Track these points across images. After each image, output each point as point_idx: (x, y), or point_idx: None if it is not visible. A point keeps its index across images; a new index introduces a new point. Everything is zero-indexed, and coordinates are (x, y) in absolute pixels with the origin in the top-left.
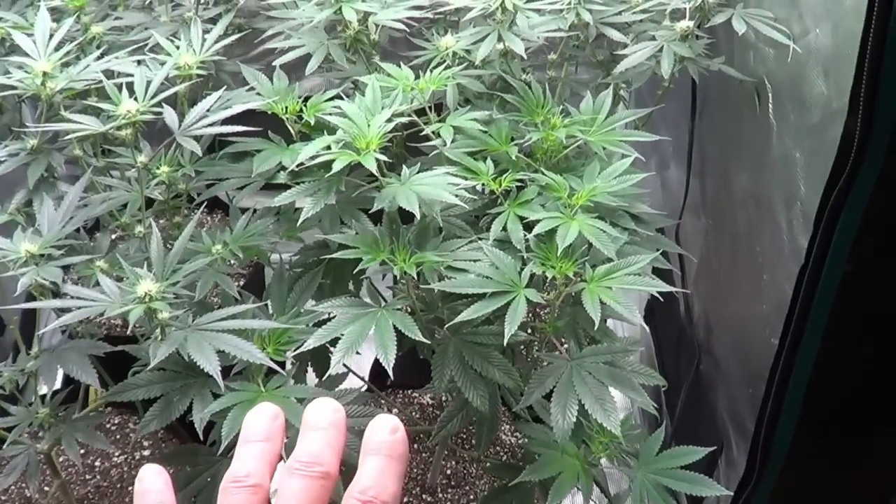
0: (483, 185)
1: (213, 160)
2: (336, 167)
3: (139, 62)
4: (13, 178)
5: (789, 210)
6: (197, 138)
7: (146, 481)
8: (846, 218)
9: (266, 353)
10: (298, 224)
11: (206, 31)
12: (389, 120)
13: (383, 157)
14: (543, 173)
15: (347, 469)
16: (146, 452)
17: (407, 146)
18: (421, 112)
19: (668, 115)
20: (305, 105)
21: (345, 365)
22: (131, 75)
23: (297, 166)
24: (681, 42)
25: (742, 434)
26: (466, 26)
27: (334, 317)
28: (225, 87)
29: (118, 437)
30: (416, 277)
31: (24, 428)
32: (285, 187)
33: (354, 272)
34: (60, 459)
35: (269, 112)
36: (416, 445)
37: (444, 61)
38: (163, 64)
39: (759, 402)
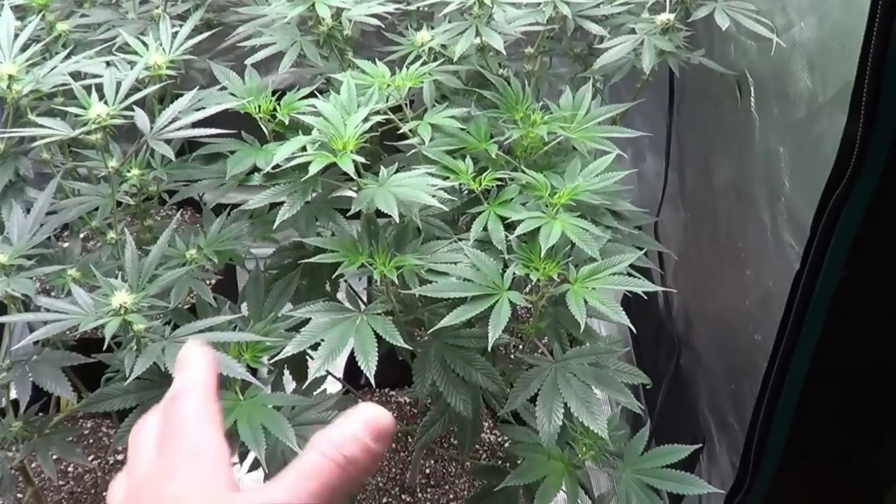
0: (462, 184)
1: (185, 162)
2: (312, 170)
3: (108, 63)
4: None
5: (773, 205)
6: (168, 141)
7: (188, 348)
8: (844, 222)
9: (243, 360)
10: (275, 227)
11: (175, 29)
12: (366, 119)
13: (360, 159)
14: (524, 171)
15: None
16: (120, 457)
17: (383, 144)
18: (396, 109)
19: (644, 106)
20: (279, 104)
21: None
22: (99, 76)
23: (273, 168)
24: (661, 35)
25: (724, 429)
26: (441, 20)
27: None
28: (198, 87)
29: (91, 441)
30: (395, 281)
31: None
32: (259, 188)
33: (333, 276)
34: (33, 465)
35: (243, 112)
36: (393, 445)
37: (421, 57)
38: (132, 64)
39: (742, 397)
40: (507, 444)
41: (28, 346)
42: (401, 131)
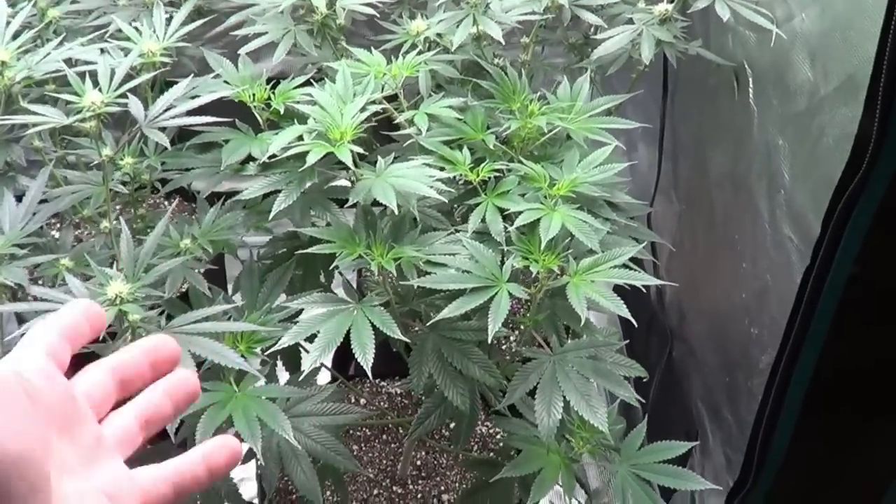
0: (459, 174)
1: (178, 150)
2: (310, 160)
3: (102, 50)
4: None
5: (772, 198)
6: (163, 129)
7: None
8: (857, 219)
9: (238, 351)
10: (270, 217)
11: (167, 16)
12: (363, 109)
13: (358, 149)
14: (522, 162)
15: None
16: None
17: (377, 134)
18: (391, 98)
19: (636, 97)
20: (273, 92)
21: (323, 364)
22: (92, 63)
23: (269, 158)
24: (660, 26)
25: (718, 423)
26: (434, 9)
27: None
28: (193, 74)
29: None
30: (393, 273)
31: None
32: (253, 177)
33: (331, 266)
34: None
35: (237, 100)
36: (384, 436)
37: (416, 46)
38: (125, 51)
39: (737, 390)
40: (499, 437)
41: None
42: (397, 121)
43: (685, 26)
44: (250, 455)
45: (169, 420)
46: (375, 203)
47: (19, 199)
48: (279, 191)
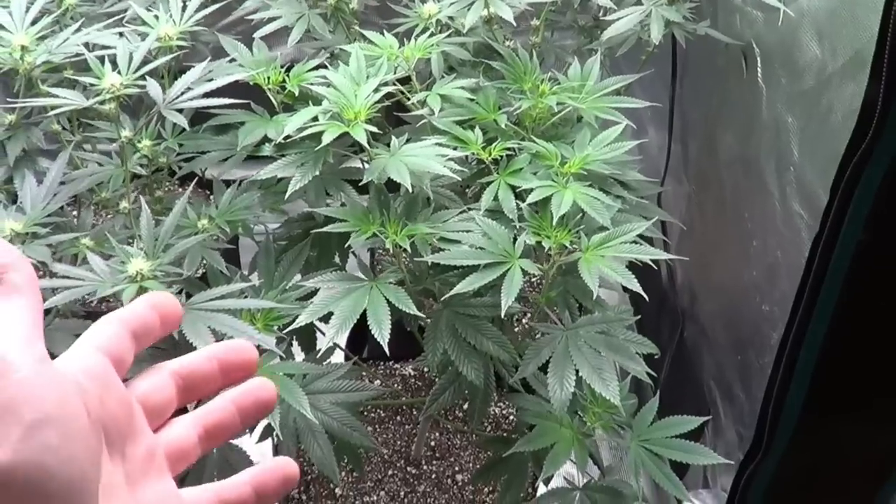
0: (472, 154)
1: (195, 133)
2: (325, 139)
3: (120, 34)
4: None
5: (781, 176)
6: (181, 111)
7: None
8: (864, 185)
9: (256, 328)
10: (286, 197)
11: (183, 1)
12: (377, 90)
13: (372, 128)
14: (534, 141)
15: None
16: None
17: (390, 116)
18: (404, 81)
19: (645, 78)
20: (288, 75)
21: (335, 344)
22: (110, 48)
23: (284, 138)
24: (668, 6)
25: (730, 401)
26: None
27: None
28: (209, 59)
29: None
30: (408, 250)
31: None
32: (268, 159)
33: (345, 245)
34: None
35: (252, 83)
36: (398, 417)
37: (428, 29)
38: (142, 35)
39: (748, 368)
40: (513, 418)
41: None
42: (410, 102)
43: (693, 7)
44: (267, 432)
45: (234, 433)
46: (391, 188)
47: (41, 182)
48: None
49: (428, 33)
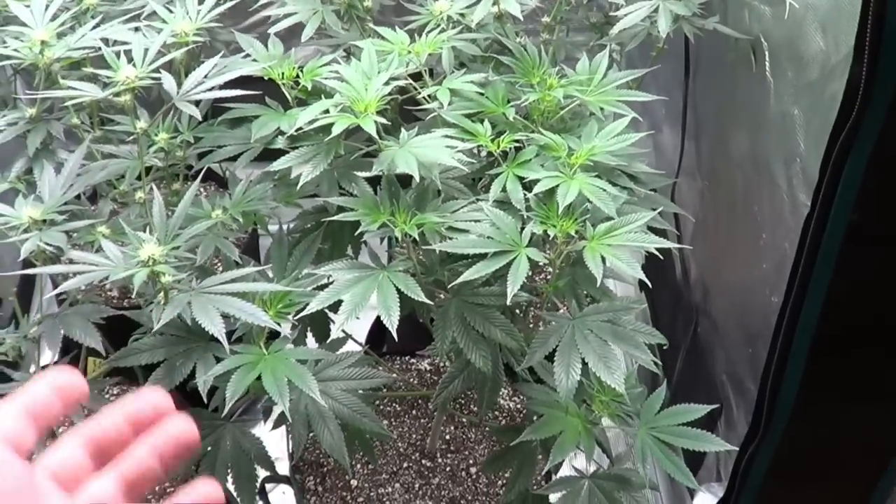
0: (481, 146)
1: (211, 125)
2: (335, 130)
3: (136, 29)
4: (11, 149)
5: (788, 168)
6: (196, 104)
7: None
8: (851, 166)
9: (269, 316)
10: (298, 188)
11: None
12: (387, 83)
13: (382, 120)
14: (542, 133)
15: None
16: None
17: (403, 111)
18: (416, 77)
19: (660, 77)
20: (301, 70)
21: (344, 332)
22: (127, 43)
23: (296, 131)
24: (677, 1)
25: (742, 395)
26: None
27: (333, 281)
28: (221, 54)
29: None
30: (416, 239)
31: None
32: (283, 154)
33: (354, 235)
34: (60, 431)
35: (266, 79)
36: (413, 411)
37: (439, 25)
38: (159, 31)
39: (759, 362)
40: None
41: (52, 303)
42: (420, 97)
43: (703, 3)
44: (282, 420)
45: (158, 480)
46: (403, 184)
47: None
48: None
49: (439, 29)
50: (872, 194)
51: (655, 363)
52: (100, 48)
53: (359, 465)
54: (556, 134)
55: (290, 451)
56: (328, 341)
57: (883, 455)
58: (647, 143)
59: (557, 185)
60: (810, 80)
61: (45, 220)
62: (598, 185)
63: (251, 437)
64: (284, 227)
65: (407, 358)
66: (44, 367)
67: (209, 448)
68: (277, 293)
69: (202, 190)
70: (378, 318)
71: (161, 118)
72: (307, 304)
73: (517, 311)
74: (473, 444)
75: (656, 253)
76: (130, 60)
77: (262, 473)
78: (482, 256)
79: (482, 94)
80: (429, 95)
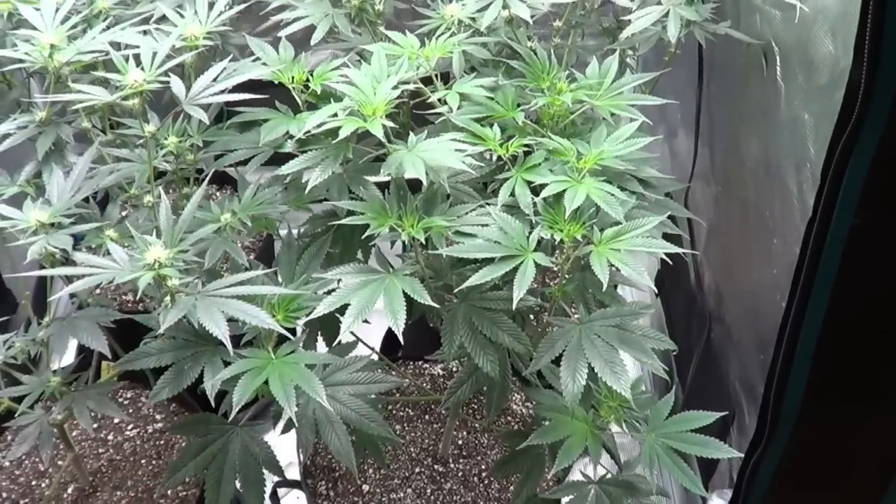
0: (490, 150)
1: (220, 129)
2: (343, 133)
3: (145, 32)
4: (22, 152)
5: (799, 172)
6: (204, 107)
7: None
8: (853, 169)
9: (276, 320)
10: (307, 191)
11: (211, 2)
12: (395, 87)
13: (390, 124)
14: (551, 138)
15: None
16: (158, 425)
17: (413, 115)
18: (427, 81)
19: (676, 82)
20: (312, 75)
21: (355, 335)
22: (138, 46)
23: (305, 134)
24: (687, 6)
25: (754, 401)
26: None
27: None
28: (231, 58)
29: (131, 411)
30: (424, 243)
31: (36, 396)
32: (293, 158)
33: (363, 239)
34: (73, 434)
35: (276, 83)
36: (426, 416)
37: (450, 29)
38: (169, 34)
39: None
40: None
41: (68, 305)
42: (430, 101)
43: (715, 7)
44: (290, 424)
45: None
46: (413, 189)
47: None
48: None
49: (449, 33)
50: (875, 197)
51: (665, 368)
52: (109, 52)
53: (371, 470)
54: (566, 138)
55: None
56: (337, 346)
57: (893, 460)
58: (662, 148)
59: (565, 190)
60: (820, 84)
61: (52, 224)
62: (607, 189)
63: (260, 442)
64: (295, 231)
65: (420, 363)
66: (55, 372)
67: (217, 452)
68: (286, 297)
69: (216, 194)
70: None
71: (170, 122)
72: (315, 308)
73: (530, 315)
74: (486, 450)
75: (666, 258)
76: (139, 64)
77: (270, 477)
78: (490, 261)
79: (492, 98)
80: (439, 99)
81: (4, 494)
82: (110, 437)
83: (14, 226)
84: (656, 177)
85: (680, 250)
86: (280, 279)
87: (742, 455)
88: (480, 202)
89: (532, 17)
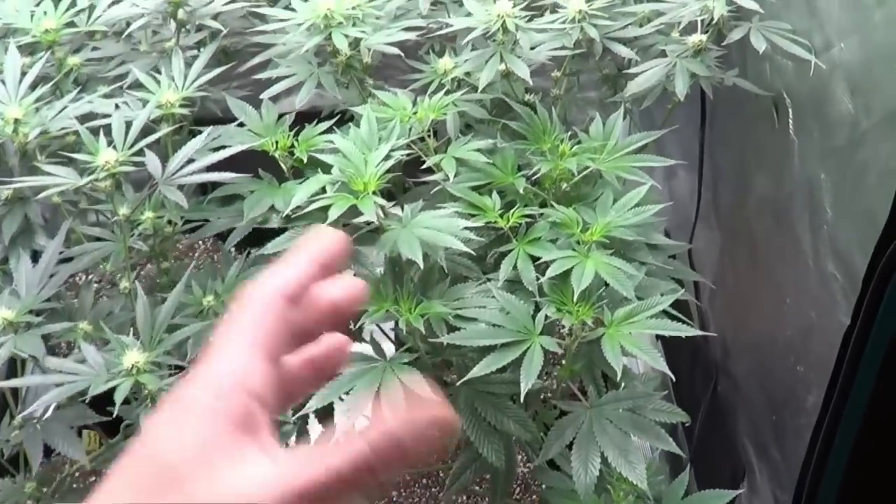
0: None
1: (200, 203)
2: (332, 214)
3: (117, 106)
4: None
5: (815, 235)
6: (182, 187)
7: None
8: None
9: None
10: None
11: (189, 62)
12: (388, 157)
13: (382, 201)
14: (554, 207)
15: None
16: None
17: (406, 171)
18: (420, 138)
19: (674, 120)
20: (297, 139)
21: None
22: (110, 116)
23: (291, 211)
24: (693, 58)
25: (766, 460)
26: (464, 46)
27: None
28: (212, 125)
29: None
30: (422, 330)
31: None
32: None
33: (358, 324)
34: None
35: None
36: (424, 480)
37: (444, 86)
38: (143, 102)
39: (784, 429)
40: (543, 487)
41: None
42: (425, 165)
43: (721, 55)
44: None
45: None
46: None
47: (38, 256)
48: None
49: (444, 91)
50: None
51: (683, 455)
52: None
53: None
54: (569, 201)
55: None
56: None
57: None
58: (662, 191)
59: (572, 267)
60: (838, 144)
61: (21, 323)
62: (616, 264)
63: None
64: None
65: None
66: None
67: None
68: None
69: (200, 245)
70: None
71: (147, 198)
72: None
73: (539, 395)
74: None
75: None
76: (111, 141)
77: None
78: (493, 346)
79: (490, 162)
80: (434, 165)
81: None
82: None
83: None
84: (665, 243)
85: (696, 332)
86: None
87: None
88: (480, 276)
89: (529, 68)
